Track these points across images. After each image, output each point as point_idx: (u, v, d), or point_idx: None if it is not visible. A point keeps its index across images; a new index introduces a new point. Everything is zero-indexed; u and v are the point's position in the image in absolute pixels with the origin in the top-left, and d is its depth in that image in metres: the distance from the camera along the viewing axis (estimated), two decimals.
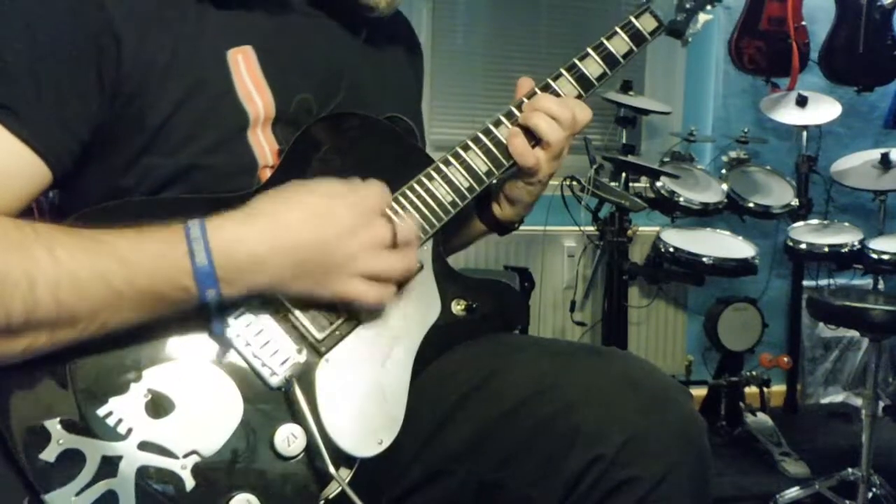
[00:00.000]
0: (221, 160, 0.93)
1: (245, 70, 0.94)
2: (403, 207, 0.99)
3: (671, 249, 2.87)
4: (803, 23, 3.20)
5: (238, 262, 0.80)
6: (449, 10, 3.27)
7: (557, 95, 1.08)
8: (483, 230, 1.23)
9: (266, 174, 0.95)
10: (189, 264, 0.77)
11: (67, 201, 0.97)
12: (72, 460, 0.76)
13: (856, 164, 3.03)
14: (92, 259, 0.75)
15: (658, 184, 2.88)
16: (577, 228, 2.95)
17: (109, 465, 0.77)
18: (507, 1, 3.32)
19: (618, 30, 1.13)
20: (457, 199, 1.02)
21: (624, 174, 2.90)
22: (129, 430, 0.79)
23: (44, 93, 0.84)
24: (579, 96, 1.10)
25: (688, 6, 1.19)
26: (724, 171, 3.15)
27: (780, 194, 3.11)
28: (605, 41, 1.13)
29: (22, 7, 0.85)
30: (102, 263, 0.75)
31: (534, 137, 1.06)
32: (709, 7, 1.22)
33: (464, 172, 1.03)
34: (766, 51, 3.20)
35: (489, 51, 3.30)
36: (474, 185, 1.04)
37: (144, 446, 0.79)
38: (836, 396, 3.62)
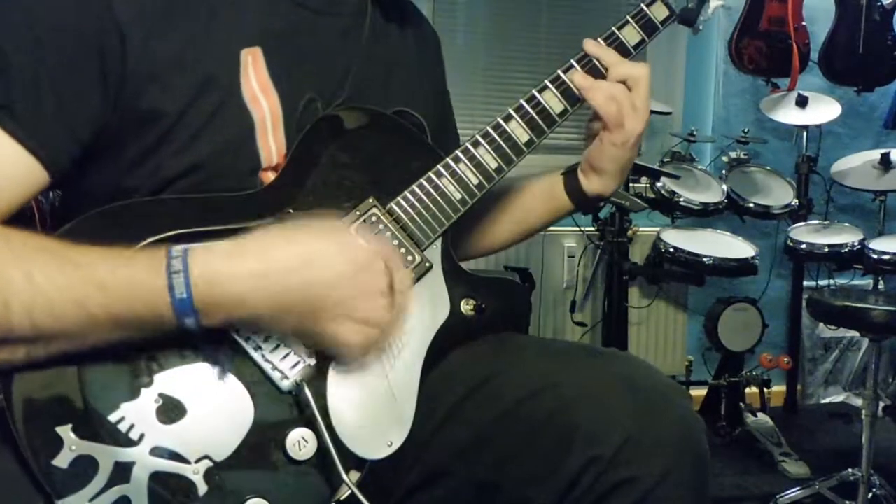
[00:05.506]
0: (225, 162, 0.92)
1: (253, 72, 0.93)
2: (412, 205, 0.97)
3: (671, 249, 2.87)
4: (803, 23, 3.20)
5: (217, 299, 0.78)
6: (449, 10, 3.26)
7: (569, 89, 1.07)
8: (565, 207, 1.17)
9: (268, 176, 0.94)
10: (168, 296, 0.76)
11: (69, 202, 0.96)
12: (85, 466, 0.76)
13: (856, 165, 3.03)
14: (69, 283, 0.75)
15: (658, 184, 2.88)
16: (577, 228, 2.96)
17: (122, 471, 0.77)
18: (508, 1, 3.31)
19: (629, 19, 1.11)
20: (466, 197, 1.00)
21: None
22: (142, 436, 0.78)
23: (43, 93, 0.83)
24: None
25: None
26: (724, 171, 3.15)
27: (780, 194, 3.12)
28: (616, 31, 1.11)
29: (26, 4, 0.84)
30: (79, 288, 0.75)
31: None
32: None
33: (473, 169, 1.01)
34: (766, 51, 3.20)
35: (489, 51, 3.30)
36: (484, 181, 1.02)
37: (157, 451, 0.79)
38: (836, 396, 3.63)
